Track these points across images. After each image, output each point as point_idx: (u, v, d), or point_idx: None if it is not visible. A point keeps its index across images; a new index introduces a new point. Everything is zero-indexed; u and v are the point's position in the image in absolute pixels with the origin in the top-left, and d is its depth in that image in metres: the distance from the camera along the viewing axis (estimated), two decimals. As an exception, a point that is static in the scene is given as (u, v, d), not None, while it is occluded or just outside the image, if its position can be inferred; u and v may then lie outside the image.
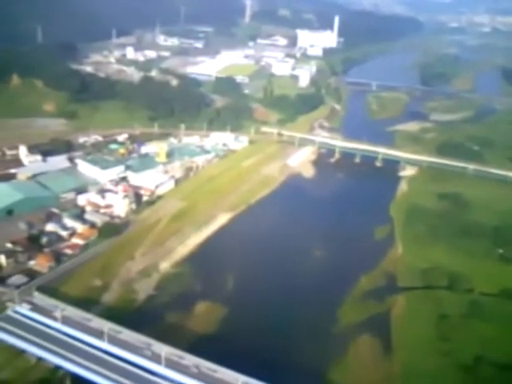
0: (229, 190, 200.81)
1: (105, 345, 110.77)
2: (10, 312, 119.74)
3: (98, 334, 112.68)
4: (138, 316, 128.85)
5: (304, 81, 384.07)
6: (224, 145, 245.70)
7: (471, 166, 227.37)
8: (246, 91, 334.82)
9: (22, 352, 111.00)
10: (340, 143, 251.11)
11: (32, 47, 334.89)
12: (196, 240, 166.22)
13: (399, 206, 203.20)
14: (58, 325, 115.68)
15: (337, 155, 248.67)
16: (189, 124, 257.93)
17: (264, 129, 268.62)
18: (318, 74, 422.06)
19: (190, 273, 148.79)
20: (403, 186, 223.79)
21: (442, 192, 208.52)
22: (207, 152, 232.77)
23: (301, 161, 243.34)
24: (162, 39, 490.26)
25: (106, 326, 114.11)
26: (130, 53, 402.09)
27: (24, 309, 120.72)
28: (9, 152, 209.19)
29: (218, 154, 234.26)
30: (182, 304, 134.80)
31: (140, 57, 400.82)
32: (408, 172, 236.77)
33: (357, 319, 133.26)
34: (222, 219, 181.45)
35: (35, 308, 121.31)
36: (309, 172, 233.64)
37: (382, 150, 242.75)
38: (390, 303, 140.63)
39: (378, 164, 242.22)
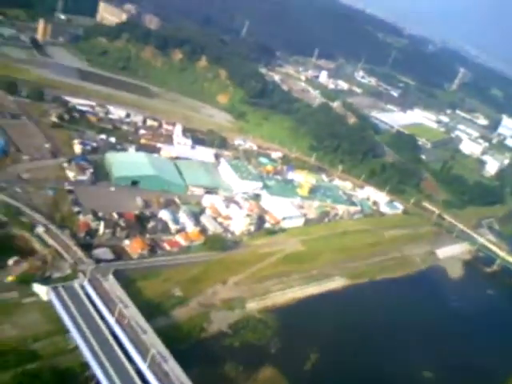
0: (357, 255, 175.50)
1: (144, 367, 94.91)
2: (75, 284, 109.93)
3: (144, 351, 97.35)
4: (196, 350, 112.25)
5: (490, 169, 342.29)
6: (374, 203, 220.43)
7: None
8: (423, 156, 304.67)
9: (66, 331, 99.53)
10: (504, 255, 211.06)
11: (233, 39, 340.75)
12: (298, 293, 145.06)
13: None
14: (111, 320, 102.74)
15: (495, 266, 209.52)
16: (348, 167, 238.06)
17: (426, 204, 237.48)
18: (508, 168, 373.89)
19: (273, 328, 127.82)
20: None
21: None
22: (353, 204, 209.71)
23: (451, 255, 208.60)
24: (360, 75, 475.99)
25: (157, 348, 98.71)
26: (323, 77, 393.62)
27: (89, 288, 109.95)
28: (165, 126, 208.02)
29: (364, 211, 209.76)
30: (247, 358, 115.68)
31: (330, 84, 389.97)
32: None
33: None
34: (337, 283, 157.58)
35: (99, 292, 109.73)
36: (455, 272, 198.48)
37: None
38: None
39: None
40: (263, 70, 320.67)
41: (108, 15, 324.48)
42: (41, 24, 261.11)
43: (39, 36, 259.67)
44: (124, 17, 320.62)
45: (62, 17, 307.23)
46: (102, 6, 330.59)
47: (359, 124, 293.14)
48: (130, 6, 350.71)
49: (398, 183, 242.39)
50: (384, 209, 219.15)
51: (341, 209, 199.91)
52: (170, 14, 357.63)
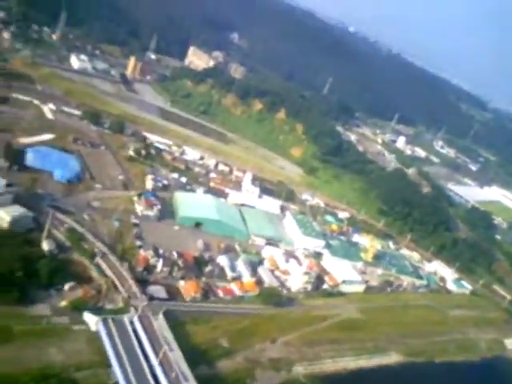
0: (417, 331, 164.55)
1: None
2: (125, 319, 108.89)
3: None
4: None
5: None
6: (441, 279, 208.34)
7: None
8: (498, 236, 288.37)
9: (109, 365, 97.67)
10: None
11: (314, 95, 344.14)
12: (349, 364, 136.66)
13: None
14: (155, 361, 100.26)
15: None
16: (417, 237, 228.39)
17: (496, 287, 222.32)
18: None
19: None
20: None
21: None
22: (419, 277, 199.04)
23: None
24: (439, 144, 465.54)
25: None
26: (401, 142, 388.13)
27: (138, 324, 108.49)
28: (236, 172, 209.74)
29: (430, 286, 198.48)
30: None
31: (408, 150, 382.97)
32: None
33: None
34: (391, 358, 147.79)
35: (147, 330, 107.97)
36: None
37: None
38: None
39: None
40: (340, 129, 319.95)
41: (196, 59, 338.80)
42: (131, 61, 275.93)
43: (128, 72, 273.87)
44: (211, 63, 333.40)
45: (153, 56, 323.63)
46: (191, 50, 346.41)
47: (433, 194, 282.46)
48: (218, 53, 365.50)
49: (468, 261, 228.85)
50: (451, 286, 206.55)
51: (405, 280, 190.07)
52: (256, 65, 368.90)
